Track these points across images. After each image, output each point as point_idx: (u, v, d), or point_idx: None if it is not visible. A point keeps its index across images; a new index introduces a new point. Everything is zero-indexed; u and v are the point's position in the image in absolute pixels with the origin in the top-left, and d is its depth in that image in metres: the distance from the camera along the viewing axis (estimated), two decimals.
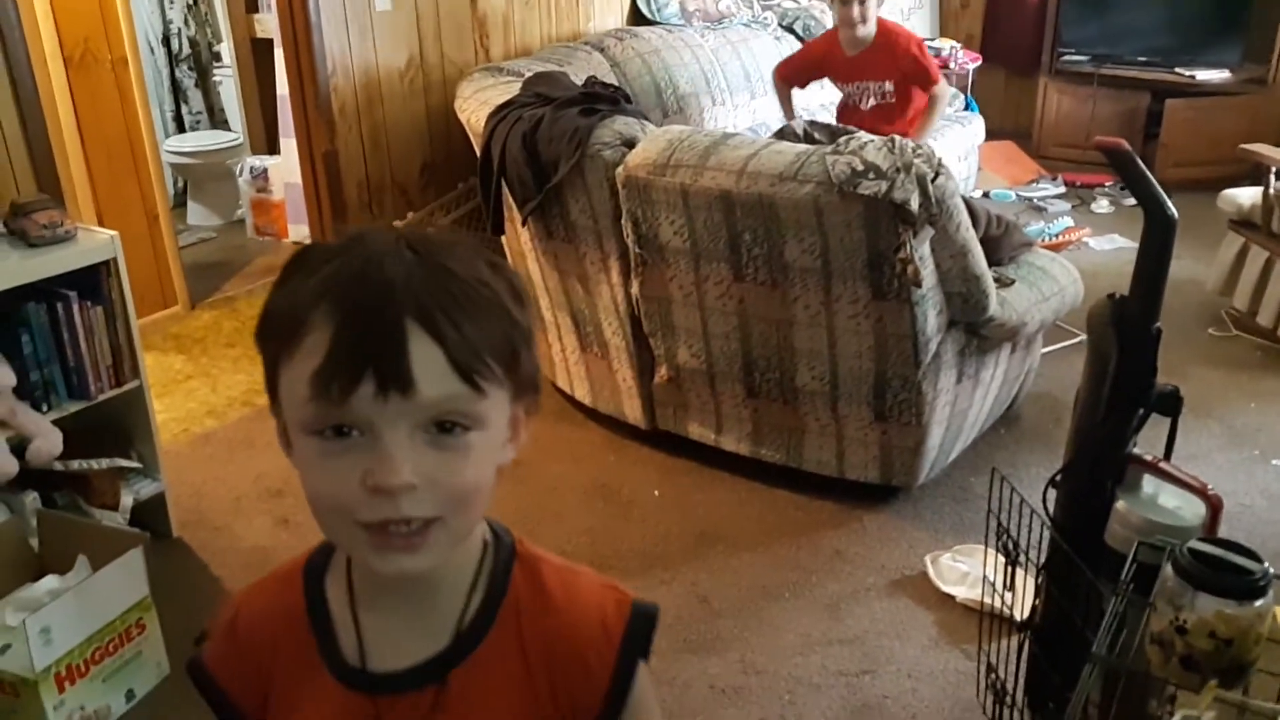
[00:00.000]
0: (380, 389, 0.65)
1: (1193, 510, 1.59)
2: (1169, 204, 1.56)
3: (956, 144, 4.46)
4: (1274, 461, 2.89)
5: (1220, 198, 3.69)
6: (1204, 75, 5.31)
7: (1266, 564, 1.18)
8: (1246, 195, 3.63)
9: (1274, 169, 3.42)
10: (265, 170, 4.85)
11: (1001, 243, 2.69)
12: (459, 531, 0.73)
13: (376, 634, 0.78)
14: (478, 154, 3.01)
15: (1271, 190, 3.45)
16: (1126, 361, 1.60)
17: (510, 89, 3.04)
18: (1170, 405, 1.63)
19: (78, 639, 1.98)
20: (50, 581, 2.14)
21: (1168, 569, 1.22)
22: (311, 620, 0.80)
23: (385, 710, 0.77)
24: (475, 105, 3.08)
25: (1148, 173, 1.57)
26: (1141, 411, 1.64)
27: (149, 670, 2.14)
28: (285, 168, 4.71)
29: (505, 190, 2.89)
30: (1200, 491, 1.61)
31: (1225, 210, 3.68)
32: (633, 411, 2.98)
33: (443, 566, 0.74)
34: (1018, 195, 5.16)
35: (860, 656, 2.21)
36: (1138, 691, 1.49)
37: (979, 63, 5.61)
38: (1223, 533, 1.56)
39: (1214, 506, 1.61)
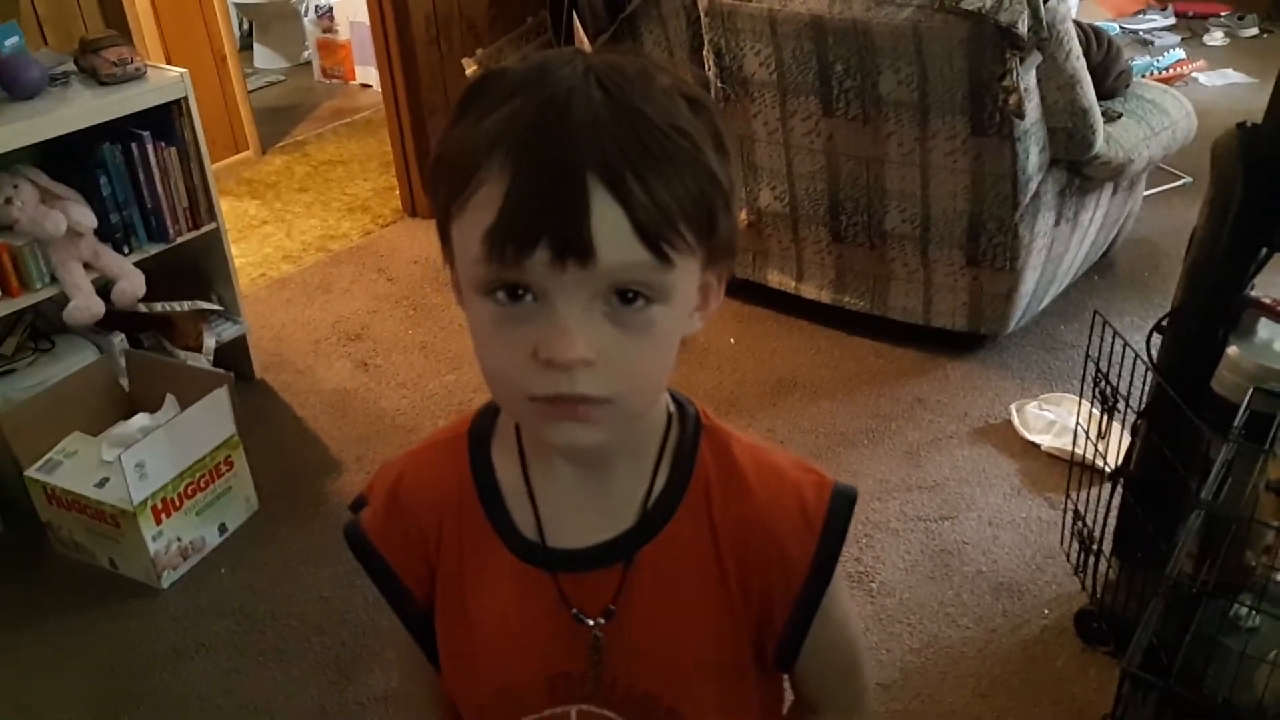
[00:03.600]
0: (557, 256, 0.57)
1: None
2: None
3: None
4: None
5: None
6: None
7: None
8: None
9: None
10: (330, 9, 4.73)
11: (1109, 69, 2.50)
12: (637, 409, 0.67)
13: (554, 508, 0.73)
14: None
15: None
16: (1252, 195, 1.47)
17: None
18: (1268, 245, 1.51)
19: (170, 474, 2.04)
20: (141, 419, 2.20)
21: None
22: (480, 491, 0.75)
23: (568, 587, 0.72)
24: None
25: None
26: (1265, 251, 1.53)
27: (239, 505, 2.21)
28: (351, 6, 4.58)
29: (576, 23, 2.76)
30: None
31: None
32: None
33: (623, 439, 0.68)
34: (1122, 27, 4.80)
35: (940, 503, 2.18)
36: (1237, 541, 1.43)
37: None
38: None
39: None
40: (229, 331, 2.61)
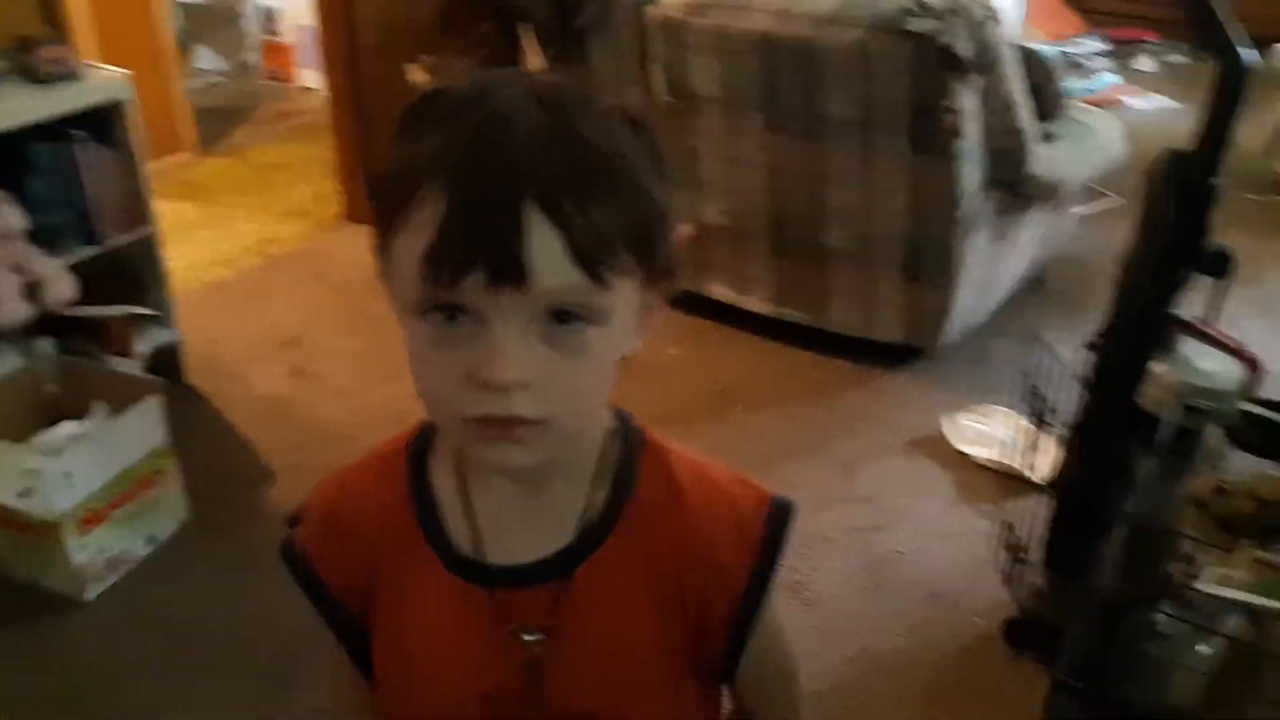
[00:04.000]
0: (492, 279, 0.58)
1: (1229, 373, 1.55)
2: (1242, 51, 1.45)
3: None
4: None
5: (1273, 52, 3.50)
6: None
7: None
8: None
9: None
10: (275, 11, 4.67)
11: (1044, 92, 2.57)
12: (573, 430, 0.67)
13: (492, 524, 0.73)
14: None
15: None
16: (1180, 218, 1.52)
17: None
18: (1219, 265, 1.56)
19: (98, 483, 1.99)
20: (69, 427, 2.14)
21: (1213, 431, 1.18)
22: (417, 506, 0.74)
23: (504, 604, 0.72)
24: None
25: (1222, 17, 1.46)
26: (1188, 272, 1.58)
27: (168, 516, 2.17)
28: (296, 9, 4.53)
29: (526, 35, 2.76)
30: (1240, 354, 1.56)
31: (1277, 68, 3.51)
32: None
33: (561, 457, 0.68)
34: (1057, 50, 4.93)
35: (875, 513, 2.21)
36: (1158, 552, 1.48)
37: None
38: None
39: (1253, 369, 1.57)
40: (161, 337, 2.55)
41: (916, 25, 2.07)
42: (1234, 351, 1.52)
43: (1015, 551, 1.89)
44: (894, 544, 2.13)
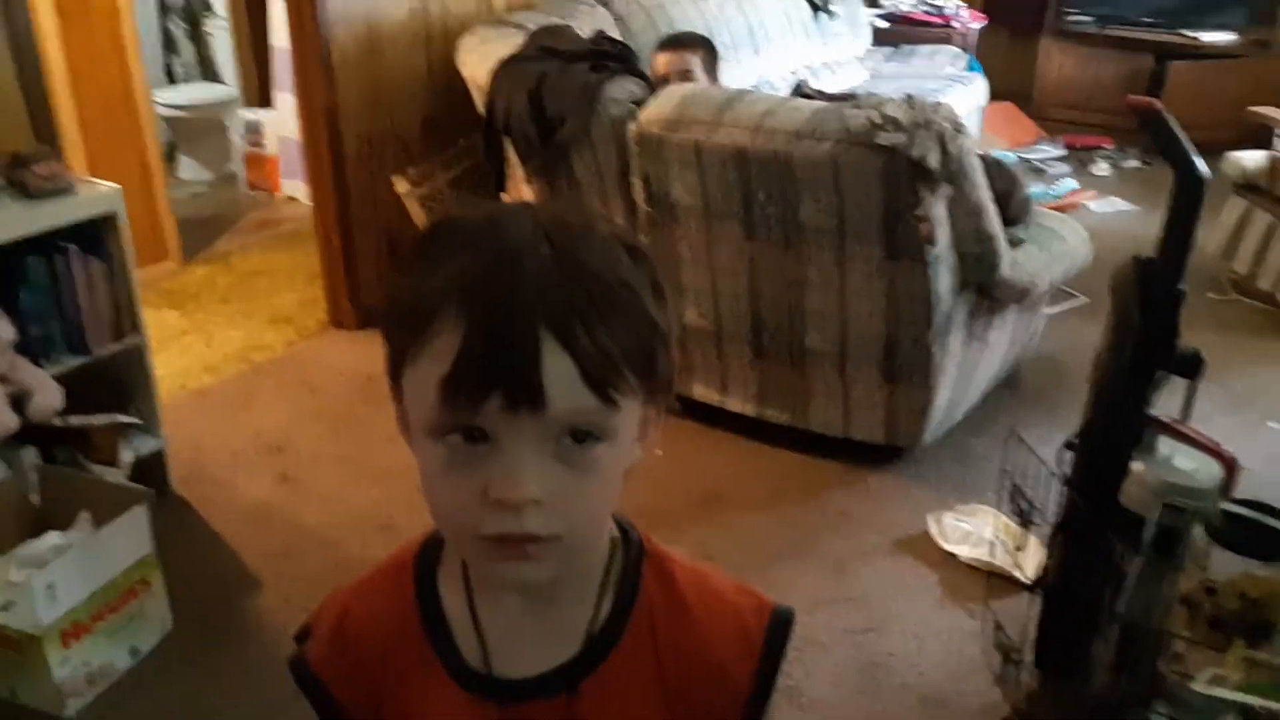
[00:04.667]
0: (509, 404, 0.61)
1: (1208, 471, 1.59)
2: (1200, 163, 1.54)
3: (960, 104, 4.42)
4: (1271, 424, 2.90)
5: (1225, 160, 3.66)
6: (1209, 37, 5.27)
7: None
8: (1251, 159, 3.61)
9: (1279, 131, 3.40)
10: (259, 124, 4.77)
11: (1011, 198, 2.67)
12: (585, 545, 0.70)
13: (500, 637, 0.75)
14: (480, 109, 2.96)
15: (1277, 153, 3.43)
16: (1149, 322, 1.59)
17: (514, 42, 2.99)
18: (1191, 367, 1.62)
19: (82, 595, 1.96)
20: (53, 538, 2.11)
21: (1198, 530, 1.21)
22: (426, 621, 0.76)
23: (513, 717, 0.74)
24: (478, 59, 3.02)
25: (1179, 132, 1.55)
26: (1161, 374, 1.63)
27: (153, 627, 2.13)
28: (279, 121, 4.64)
29: (508, 147, 2.84)
30: (1218, 453, 1.61)
31: (1229, 173, 3.66)
32: None
33: (570, 570, 0.71)
34: (1018, 157, 5.12)
35: (866, 615, 2.22)
36: (1151, 652, 1.50)
37: (984, 22, 5.54)
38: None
39: (1230, 468, 1.61)
40: (147, 445, 2.55)
41: (886, 139, 2.16)
42: (1212, 451, 1.57)
43: (1007, 652, 1.89)
44: (885, 646, 2.13)
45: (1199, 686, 1.17)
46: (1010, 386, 3.07)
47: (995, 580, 2.05)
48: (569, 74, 2.66)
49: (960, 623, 2.19)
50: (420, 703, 0.76)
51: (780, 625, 0.77)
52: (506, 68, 2.82)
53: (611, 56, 2.78)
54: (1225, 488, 1.53)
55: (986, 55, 5.62)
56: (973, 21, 5.47)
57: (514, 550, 0.65)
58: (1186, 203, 1.59)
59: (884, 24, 5.43)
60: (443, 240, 0.67)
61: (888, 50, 5.07)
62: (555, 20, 3.28)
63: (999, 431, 2.79)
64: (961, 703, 1.98)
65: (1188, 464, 1.55)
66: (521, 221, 0.66)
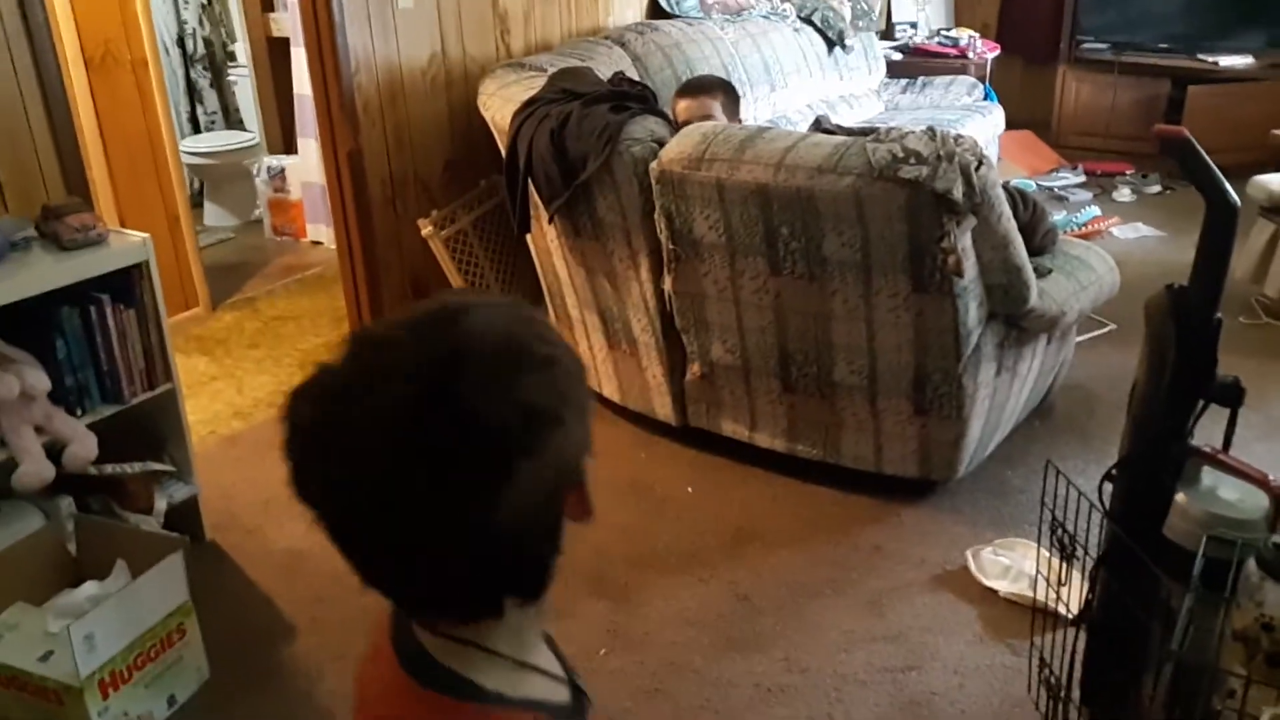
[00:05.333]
0: None
1: (1254, 502, 1.56)
2: (1231, 192, 1.53)
3: (978, 133, 4.43)
4: None
5: (1251, 184, 3.65)
6: (1227, 61, 5.26)
7: None
8: (1276, 181, 3.59)
9: None
10: (283, 170, 4.83)
11: (1036, 228, 2.66)
12: None
13: None
14: (502, 151, 2.98)
15: None
16: (1187, 352, 1.57)
17: (534, 84, 3.02)
18: (1231, 396, 1.60)
19: (120, 645, 1.96)
20: (90, 588, 2.12)
21: (1251, 564, 1.19)
22: None
23: None
24: (499, 102, 3.05)
25: (1209, 161, 1.54)
26: (1201, 403, 1.61)
27: (190, 675, 2.13)
28: (303, 167, 4.70)
29: (531, 188, 2.87)
30: (1264, 483, 1.58)
31: (1255, 196, 3.65)
32: (663, 408, 2.96)
33: None
34: (1038, 185, 5.12)
35: (905, 653, 2.19)
36: (1206, 691, 1.46)
37: (997, 52, 5.56)
38: None
39: (1277, 498, 1.59)
40: (180, 492, 2.56)
41: (909, 173, 2.16)
42: (1258, 481, 1.54)
43: (1053, 690, 1.86)
44: (927, 684, 2.10)
45: None
46: (1042, 416, 3.05)
47: (1036, 615, 2.02)
48: (590, 115, 2.68)
49: (1003, 659, 2.16)
50: None
51: None
52: (527, 109, 2.85)
53: (631, 97, 2.80)
54: (1274, 519, 1.50)
55: (1002, 84, 5.65)
56: (987, 51, 5.49)
57: None
58: (1219, 231, 1.58)
59: (898, 56, 5.46)
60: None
61: (903, 82, 5.09)
62: (574, 61, 3.32)
63: (1033, 463, 2.77)
64: None
65: (1232, 495, 1.53)
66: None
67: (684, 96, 3.01)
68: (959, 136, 2.22)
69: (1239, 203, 1.56)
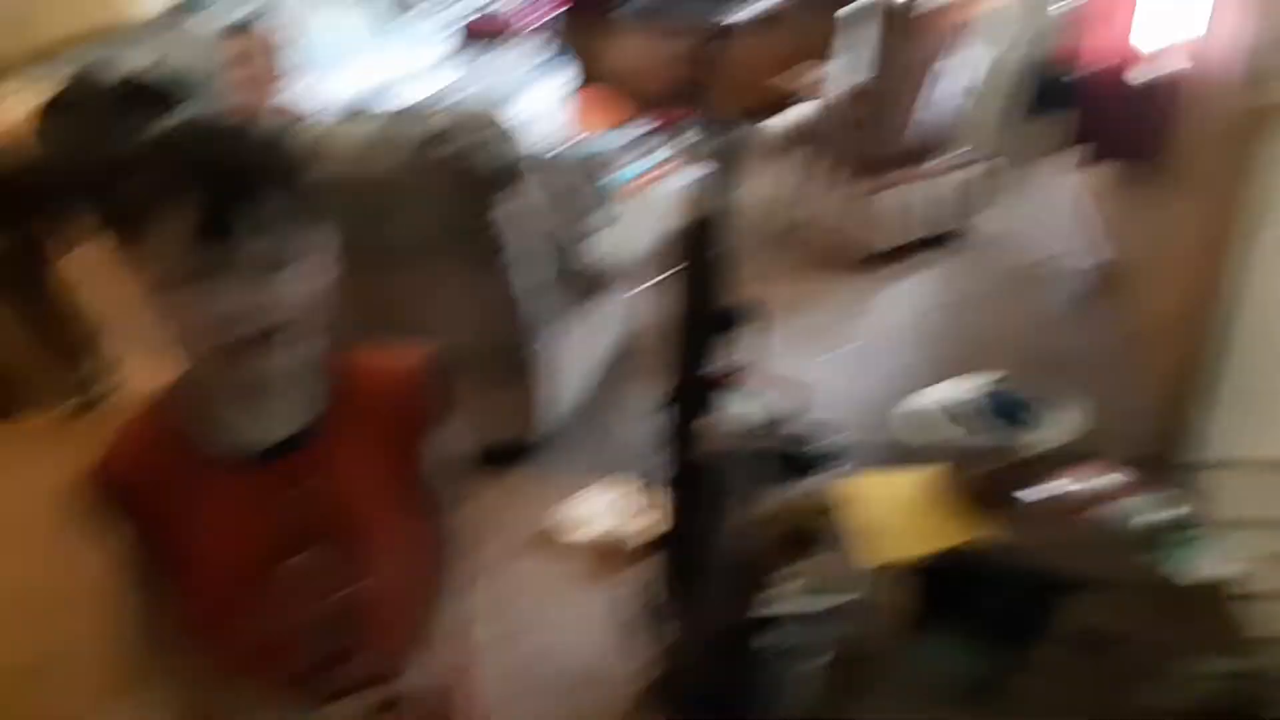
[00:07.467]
0: None
1: (765, 411, 1.74)
2: (737, 127, 1.65)
3: (549, 95, 4.53)
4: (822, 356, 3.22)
5: (767, 125, 4.01)
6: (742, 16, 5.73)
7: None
8: (782, 120, 4.01)
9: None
10: None
11: (583, 190, 2.78)
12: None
13: None
14: None
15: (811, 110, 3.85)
16: (695, 284, 1.70)
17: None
18: (747, 319, 1.75)
19: None
20: None
21: (762, 463, 1.33)
22: None
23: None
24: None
25: (718, 106, 1.66)
26: (719, 329, 1.76)
27: None
28: None
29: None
30: (784, 389, 1.76)
31: (774, 137, 4.03)
32: None
33: None
34: (611, 139, 5.33)
35: (512, 616, 2.23)
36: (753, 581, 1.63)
37: (566, 9, 5.68)
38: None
39: (797, 399, 1.78)
40: None
41: (437, 154, 2.16)
42: (779, 388, 1.71)
43: (645, 615, 1.98)
44: (538, 642, 2.16)
45: (778, 606, 1.29)
46: (625, 363, 3.18)
47: (626, 552, 2.11)
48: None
49: (603, 600, 2.24)
50: None
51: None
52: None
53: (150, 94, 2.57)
54: (786, 420, 1.68)
55: (572, 43, 5.77)
56: (555, 9, 5.60)
57: None
58: (726, 163, 1.71)
59: (467, 22, 5.44)
60: None
61: (475, 49, 5.10)
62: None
63: (616, 409, 2.90)
64: (619, 673, 2.04)
65: (748, 406, 1.69)
66: None
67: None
68: (484, 112, 2.25)
69: (744, 136, 1.70)
